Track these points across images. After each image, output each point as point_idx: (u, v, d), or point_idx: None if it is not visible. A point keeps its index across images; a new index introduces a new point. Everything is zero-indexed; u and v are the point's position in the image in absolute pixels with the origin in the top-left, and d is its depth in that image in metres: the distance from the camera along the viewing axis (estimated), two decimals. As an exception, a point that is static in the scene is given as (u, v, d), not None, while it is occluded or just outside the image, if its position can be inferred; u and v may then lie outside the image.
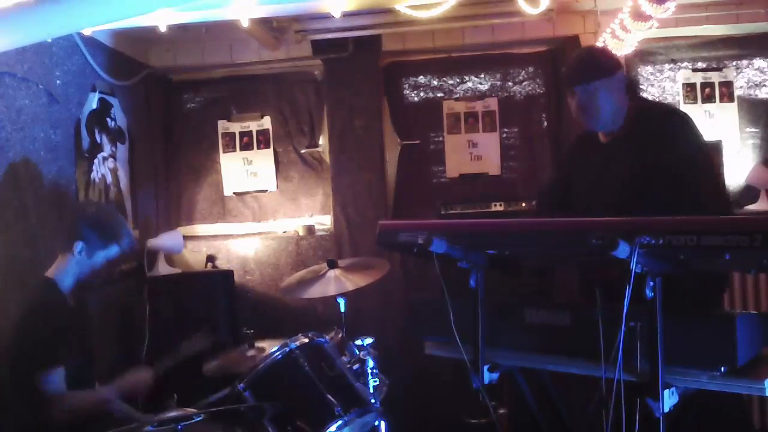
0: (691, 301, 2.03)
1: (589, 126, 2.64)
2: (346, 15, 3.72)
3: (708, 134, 4.20)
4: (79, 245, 2.59)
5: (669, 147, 2.43)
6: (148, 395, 2.71)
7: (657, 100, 4.41)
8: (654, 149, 2.44)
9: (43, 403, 2.41)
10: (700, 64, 4.44)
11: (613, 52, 3.81)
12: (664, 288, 1.82)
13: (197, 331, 3.09)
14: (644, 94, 4.47)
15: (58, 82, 3.37)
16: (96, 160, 3.73)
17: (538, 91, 4.56)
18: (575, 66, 2.61)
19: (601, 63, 2.56)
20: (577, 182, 2.72)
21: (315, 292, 3.27)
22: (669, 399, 1.86)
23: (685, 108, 4.38)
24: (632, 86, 2.63)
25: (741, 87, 4.43)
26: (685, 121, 2.53)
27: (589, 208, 2.57)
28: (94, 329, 2.89)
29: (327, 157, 4.59)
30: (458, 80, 4.60)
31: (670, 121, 2.52)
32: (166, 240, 4.33)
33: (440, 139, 4.59)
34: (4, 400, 2.54)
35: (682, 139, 2.47)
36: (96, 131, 3.75)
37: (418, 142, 4.60)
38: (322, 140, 4.66)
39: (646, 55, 4.40)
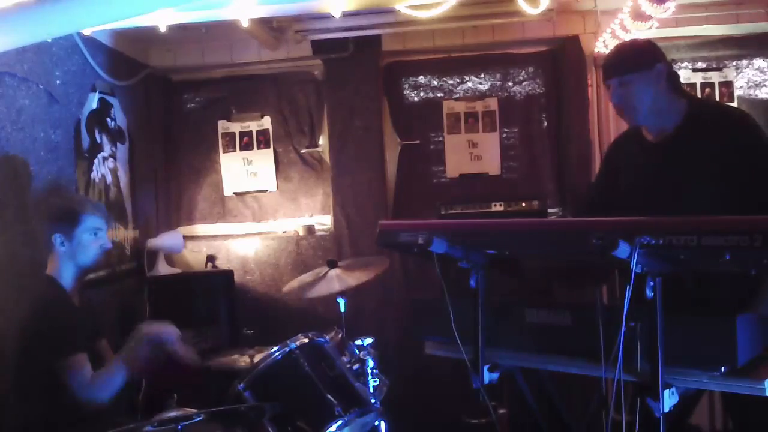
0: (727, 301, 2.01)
1: (628, 122, 2.57)
2: (346, 15, 3.72)
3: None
4: (57, 238, 2.62)
5: (725, 149, 2.34)
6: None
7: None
8: (717, 155, 2.35)
9: (67, 394, 2.42)
10: (700, 64, 4.44)
11: (606, 52, 3.81)
12: (668, 288, 1.81)
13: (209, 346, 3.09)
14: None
15: (58, 82, 3.37)
16: (96, 160, 3.73)
17: (538, 91, 4.56)
18: (609, 59, 2.54)
19: (636, 55, 2.47)
20: (621, 184, 2.61)
21: (315, 291, 3.28)
22: (669, 399, 1.86)
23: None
24: (676, 81, 2.52)
25: (741, 87, 4.43)
26: (742, 119, 2.44)
27: (643, 211, 2.47)
28: (93, 330, 2.88)
29: (327, 157, 4.59)
30: (458, 80, 4.60)
31: (726, 122, 2.42)
32: (166, 240, 4.33)
33: (440, 139, 4.59)
34: (11, 401, 2.54)
35: (740, 140, 2.37)
36: (96, 131, 3.75)
37: (418, 142, 4.60)
38: (322, 140, 4.66)
39: (646, 55, 4.39)
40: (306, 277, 3.46)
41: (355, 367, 2.86)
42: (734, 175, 2.31)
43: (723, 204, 2.21)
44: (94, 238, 2.67)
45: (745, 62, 4.43)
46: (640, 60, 2.46)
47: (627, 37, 3.62)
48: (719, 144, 2.36)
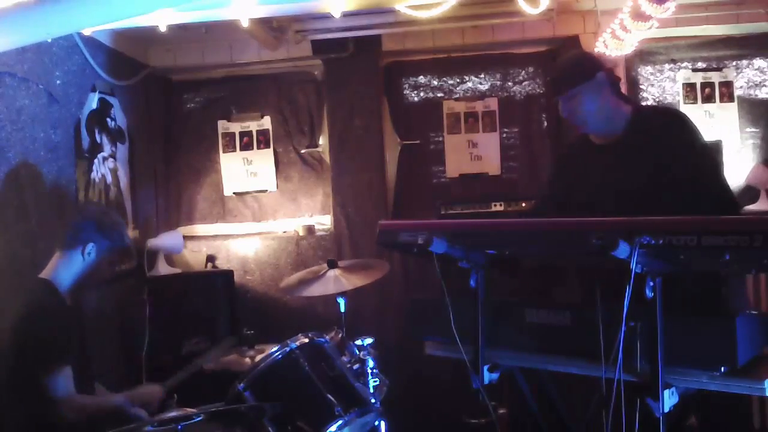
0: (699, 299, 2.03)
1: (582, 131, 2.63)
2: (346, 15, 3.71)
3: (708, 134, 4.20)
4: (89, 246, 2.60)
5: (674, 150, 2.42)
6: (158, 408, 2.70)
7: (656, 101, 4.42)
8: (659, 153, 2.43)
9: (49, 404, 2.40)
10: (700, 64, 4.44)
11: (606, 53, 3.87)
12: (664, 288, 1.82)
13: (209, 346, 3.09)
14: (644, 94, 4.48)
15: (58, 82, 3.37)
16: (96, 160, 3.73)
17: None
18: (555, 77, 2.66)
19: (577, 69, 2.55)
20: (576, 189, 2.66)
21: (315, 291, 3.27)
22: (669, 399, 1.86)
23: (685, 108, 4.39)
24: (618, 86, 2.62)
25: (741, 87, 4.43)
26: (686, 123, 2.53)
27: (592, 213, 2.53)
28: (92, 329, 2.88)
29: (327, 157, 4.59)
30: (458, 80, 4.59)
31: (672, 124, 2.51)
32: (166, 240, 4.33)
33: (440, 139, 4.59)
34: (3, 402, 2.54)
35: (686, 141, 2.46)
36: (96, 131, 3.75)
37: (418, 142, 4.60)
38: (322, 140, 4.66)
39: (646, 55, 4.40)
40: (305, 274, 3.45)
41: (355, 367, 2.86)
42: (678, 177, 2.38)
43: (669, 205, 2.24)
44: (104, 263, 2.69)
45: (745, 62, 4.42)
46: (581, 72, 2.53)
47: (627, 37, 3.63)
48: (662, 142, 2.45)
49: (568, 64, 2.68)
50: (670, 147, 2.44)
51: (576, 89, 2.49)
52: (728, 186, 2.49)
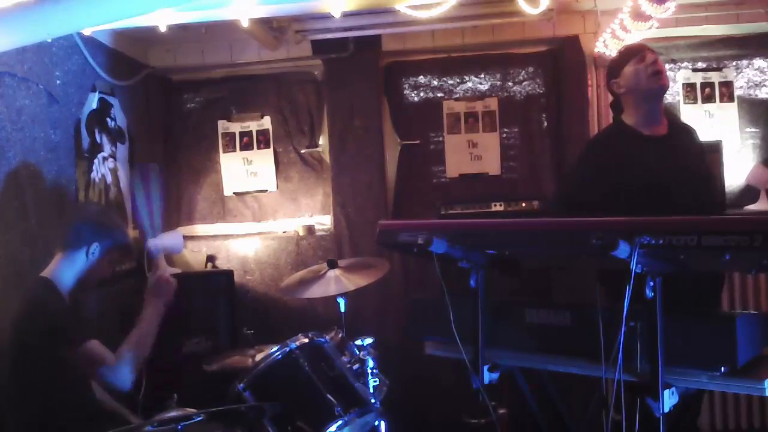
0: (690, 298, 2.04)
1: (660, 90, 2.76)
2: (346, 15, 3.72)
3: (708, 134, 4.21)
4: (93, 246, 2.61)
5: (700, 156, 2.79)
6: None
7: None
8: (694, 155, 2.76)
9: (55, 398, 2.42)
10: (700, 64, 4.43)
11: (606, 53, 4.00)
12: (663, 288, 1.82)
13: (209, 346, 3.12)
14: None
15: (58, 82, 3.37)
16: (96, 160, 3.73)
17: (538, 91, 4.55)
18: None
19: None
20: (621, 176, 2.63)
21: (315, 292, 3.27)
22: (669, 399, 1.86)
23: (685, 108, 4.41)
24: None
25: (741, 87, 4.42)
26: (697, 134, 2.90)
27: (636, 205, 2.49)
28: (92, 329, 2.87)
29: (327, 157, 4.59)
30: (458, 80, 4.59)
31: (694, 133, 2.87)
32: (166, 240, 4.32)
33: (440, 139, 4.59)
34: (5, 401, 2.54)
35: (705, 150, 2.86)
36: (96, 131, 3.75)
37: (418, 142, 4.60)
38: (322, 140, 4.66)
39: (646, 55, 4.39)
40: (305, 274, 3.45)
41: (355, 367, 2.86)
42: (698, 177, 2.71)
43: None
44: (105, 262, 2.70)
45: (745, 62, 4.42)
46: None
47: (627, 37, 3.63)
48: (696, 147, 2.80)
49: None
50: (699, 153, 2.79)
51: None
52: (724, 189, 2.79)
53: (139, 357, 2.53)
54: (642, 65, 2.71)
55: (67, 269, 2.60)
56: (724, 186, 2.78)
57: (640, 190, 2.57)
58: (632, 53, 2.78)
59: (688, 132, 2.86)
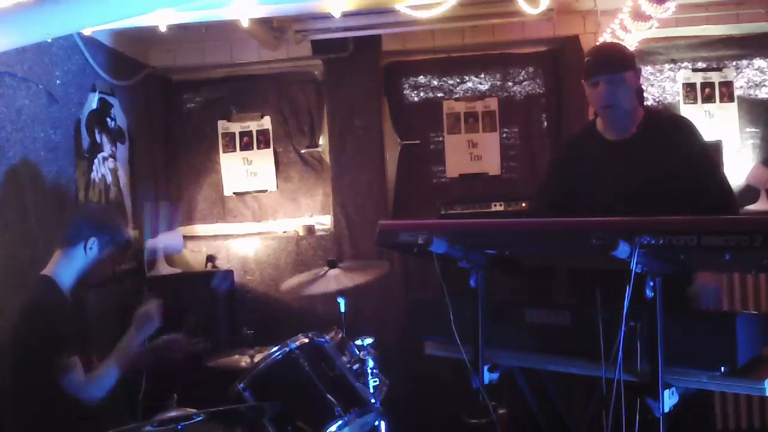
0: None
1: (609, 117, 2.68)
2: (346, 15, 3.71)
3: (708, 134, 4.21)
4: (91, 241, 2.62)
5: (681, 154, 2.58)
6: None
7: (656, 101, 4.43)
8: (667, 156, 2.56)
9: (64, 397, 2.42)
10: (700, 64, 4.43)
11: None
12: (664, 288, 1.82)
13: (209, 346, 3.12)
14: (644, 94, 4.47)
15: (58, 82, 3.37)
16: (96, 160, 3.73)
17: (538, 91, 4.56)
18: (602, 56, 2.67)
19: (625, 55, 2.67)
20: (580, 181, 2.72)
21: (315, 289, 3.27)
22: (669, 399, 1.86)
23: (685, 108, 4.40)
24: (641, 91, 2.79)
25: (741, 87, 4.43)
26: (692, 127, 2.68)
27: (594, 207, 2.59)
28: (92, 329, 2.88)
29: (327, 157, 4.59)
30: (458, 80, 4.59)
31: (680, 128, 2.67)
32: (166, 240, 4.33)
33: (440, 139, 4.59)
34: (7, 401, 2.54)
35: (692, 145, 2.62)
36: (96, 131, 3.75)
37: (418, 142, 4.60)
38: (322, 140, 4.66)
39: (646, 55, 4.39)
40: (305, 276, 3.45)
41: (355, 367, 2.85)
42: (685, 173, 2.54)
43: (676, 205, 2.34)
44: (106, 259, 2.71)
45: (745, 62, 4.42)
46: (629, 60, 2.65)
47: (627, 37, 3.63)
48: (671, 146, 2.60)
49: (615, 49, 2.76)
50: (678, 151, 2.57)
51: (623, 74, 2.58)
52: (730, 187, 2.61)
53: (115, 375, 2.53)
54: (595, 92, 2.62)
55: (66, 266, 2.61)
56: (728, 183, 2.69)
57: (598, 193, 2.63)
58: (588, 74, 2.64)
59: (662, 130, 2.64)
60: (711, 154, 2.73)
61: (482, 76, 4.59)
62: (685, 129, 2.67)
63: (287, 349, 2.57)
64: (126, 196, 4.08)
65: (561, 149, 3.04)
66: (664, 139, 2.60)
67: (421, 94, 4.63)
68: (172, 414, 2.15)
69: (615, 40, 3.70)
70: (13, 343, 2.48)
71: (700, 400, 1.96)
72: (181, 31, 3.71)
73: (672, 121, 2.80)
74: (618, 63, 2.60)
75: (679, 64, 4.43)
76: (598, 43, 2.94)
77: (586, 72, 2.65)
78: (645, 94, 4.39)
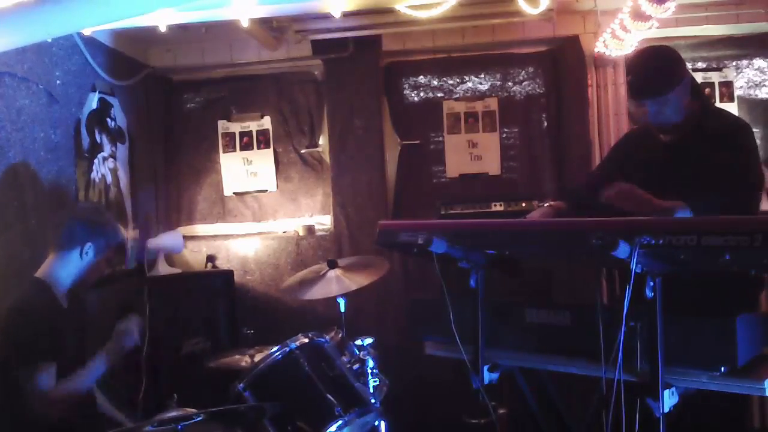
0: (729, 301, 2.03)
1: (658, 129, 2.58)
2: (346, 15, 3.72)
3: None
4: (87, 246, 2.58)
5: (734, 159, 2.43)
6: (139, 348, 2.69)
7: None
8: (717, 158, 2.43)
9: (31, 401, 2.37)
10: (700, 64, 4.43)
11: (606, 53, 3.87)
12: (667, 288, 1.81)
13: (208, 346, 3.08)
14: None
15: (58, 82, 3.37)
16: (96, 160, 3.73)
17: (538, 91, 4.56)
18: (645, 80, 2.52)
19: (671, 74, 2.50)
20: (632, 175, 2.60)
21: (316, 293, 3.27)
22: (669, 399, 1.86)
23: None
24: (696, 86, 2.63)
25: (741, 87, 4.43)
26: (749, 135, 2.54)
27: None
28: (92, 329, 2.87)
29: (327, 157, 4.59)
30: (458, 80, 4.59)
31: (738, 135, 2.51)
32: (166, 240, 4.33)
33: (440, 139, 4.59)
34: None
35: (745, 153, 2.47)
36: (96, 131, 3.75)
37: (418, 142, 4.60)
38: (322, 140, 4.66)
39: (646, 55, 4.39)
40: (305, 275, 3.45)
41: (355, 367, 2.85)
42: (729, 179, 2.38)
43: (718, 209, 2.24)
44: (102, 262, 2.68)
45: (745, 62, 4.42)
46: (674, 77, 2.48)
47: (627, 37, 3.62)
48: (727, 151, 2.43)
49: (658, 72, 2.53)
50: (726, 156, 2.43)
51: (667, 96, 2.45)
52: (752, 199, 2.45)
53: (86, 387, 2.51)
54: (641, 110, 2.54)
55: (61, 269, 2.56)
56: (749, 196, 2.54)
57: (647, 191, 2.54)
58: (631, 93, 2.57)
59: (716, 133, 2.52)
60: (753, 164, 2.51)
61: (482, 76, 4.59)
62: (742, 136, 2.52)
63: (287, 349, 2.57)
64: (126, 196, 4.08)
65: (623, 137, 2.96)
66: (716, 141, 2.47)
67: (421, 94, 4.63)
68: (172, 414, 2.14)
69: (615, 40, 3.70)
70: (2, 347, 2.44)
71: (732, 396, 1.93)
72: (181, 31, 3.72)
73: (728, 123, 2.62)
74: (662, 85, 2.46)
75: (679, 64, 4.42)
76: (638, 55, 2.69)
77: (630, 90, 2.57)
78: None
